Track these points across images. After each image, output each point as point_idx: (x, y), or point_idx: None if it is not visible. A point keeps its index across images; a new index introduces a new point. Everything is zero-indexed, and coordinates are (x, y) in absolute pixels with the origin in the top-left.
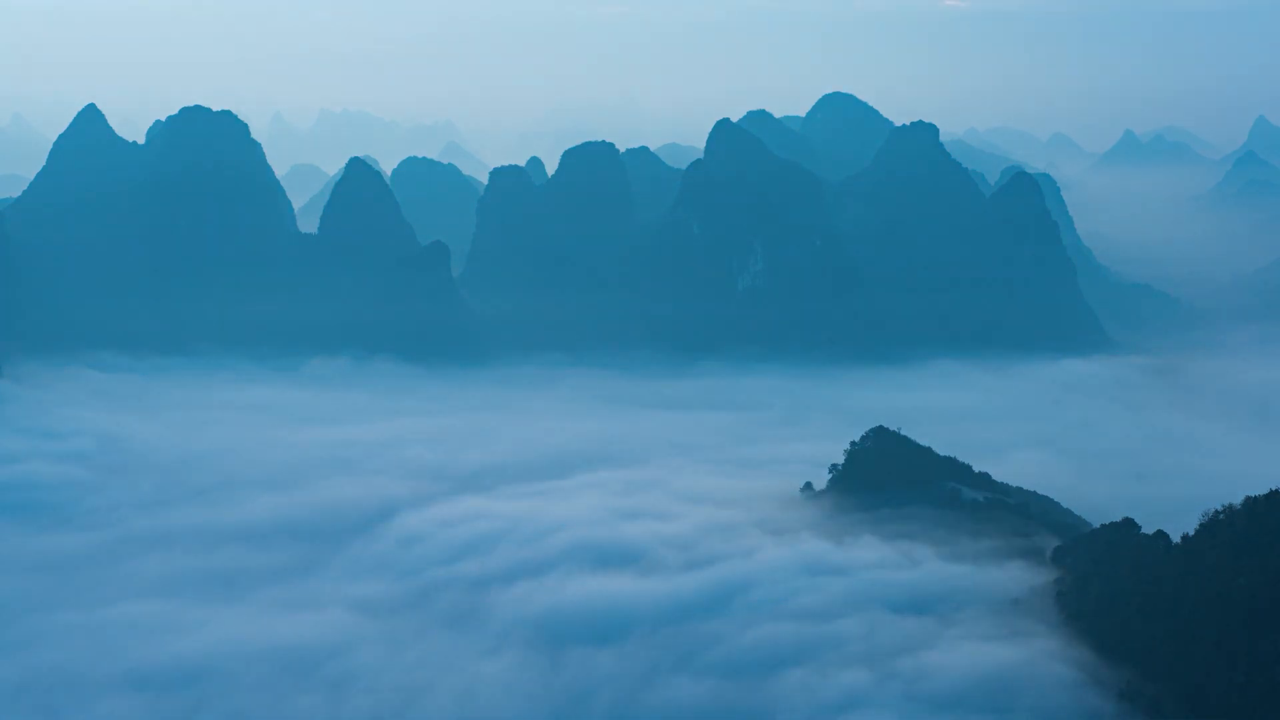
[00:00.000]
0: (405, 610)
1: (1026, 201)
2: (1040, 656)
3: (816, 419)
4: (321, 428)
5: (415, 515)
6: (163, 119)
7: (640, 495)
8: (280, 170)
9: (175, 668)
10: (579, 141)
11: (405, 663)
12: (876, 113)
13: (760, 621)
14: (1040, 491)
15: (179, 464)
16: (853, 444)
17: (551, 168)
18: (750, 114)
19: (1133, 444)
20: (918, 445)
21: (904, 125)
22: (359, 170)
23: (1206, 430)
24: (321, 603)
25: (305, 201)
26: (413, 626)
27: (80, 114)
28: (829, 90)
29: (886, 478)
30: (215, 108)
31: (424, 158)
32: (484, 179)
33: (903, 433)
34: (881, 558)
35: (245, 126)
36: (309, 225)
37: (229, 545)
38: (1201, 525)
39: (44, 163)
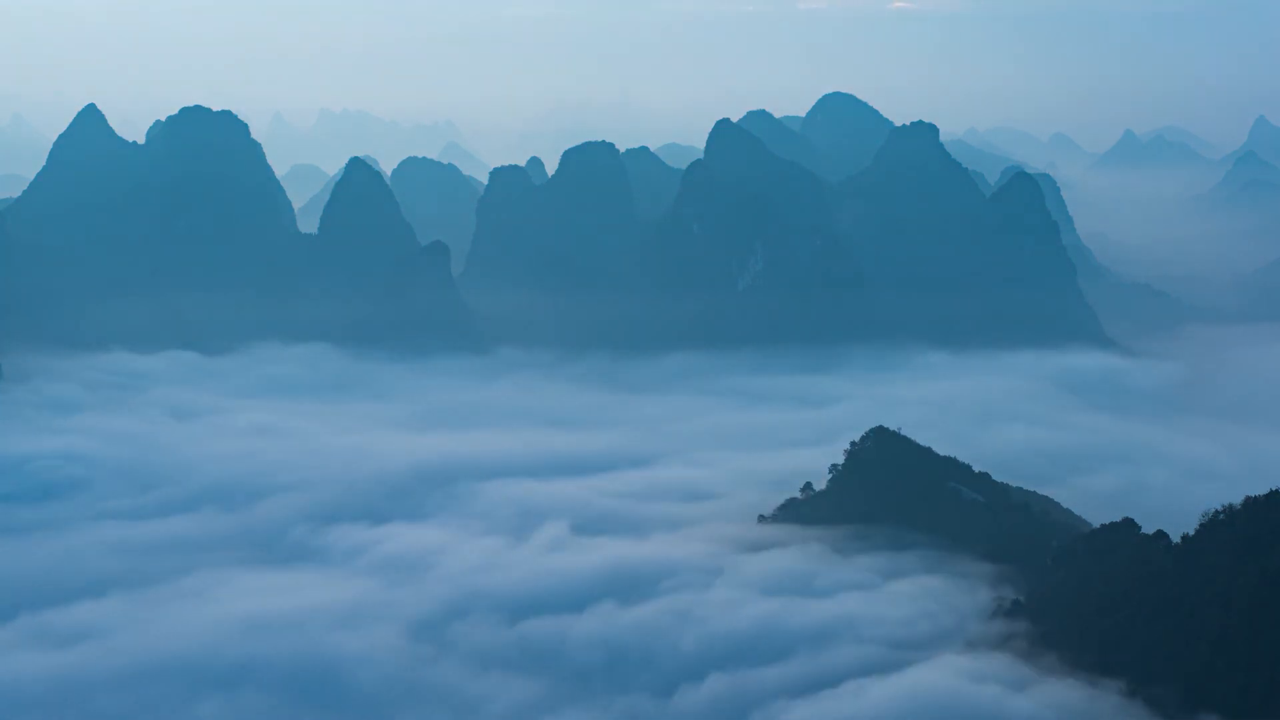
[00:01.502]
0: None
1: (1026, 201)
2: (1040, 657)
3: (816, 419)
4: (320, 428)
5: (414, 512)
6: (163, 119)
7: (636, 493)
8: (280, 170)
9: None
10: (579, 141)
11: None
12: (876, 113)
13: (764, 620)
14: (1040, 491)
15: (181, 464)
16: (852, 444)
17: (551, 168)
18: (750, 114)
19: (1132, 444)
20: (918, 445)
21: (904, 125)
22: (359, 170)
23: (1206, 430)
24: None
25: (305, 201)
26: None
27: (80, 114)
28: (829, 90)
29: (886, 478)
30: (215, 108)
31: (424, 158)
32: (484, 179)
33: (903, 433)
34: (881, 558)
35: (245, 126)
36: (309, 225)
37: (234, 543)
38: (1201, 525)
39: (44, 163)
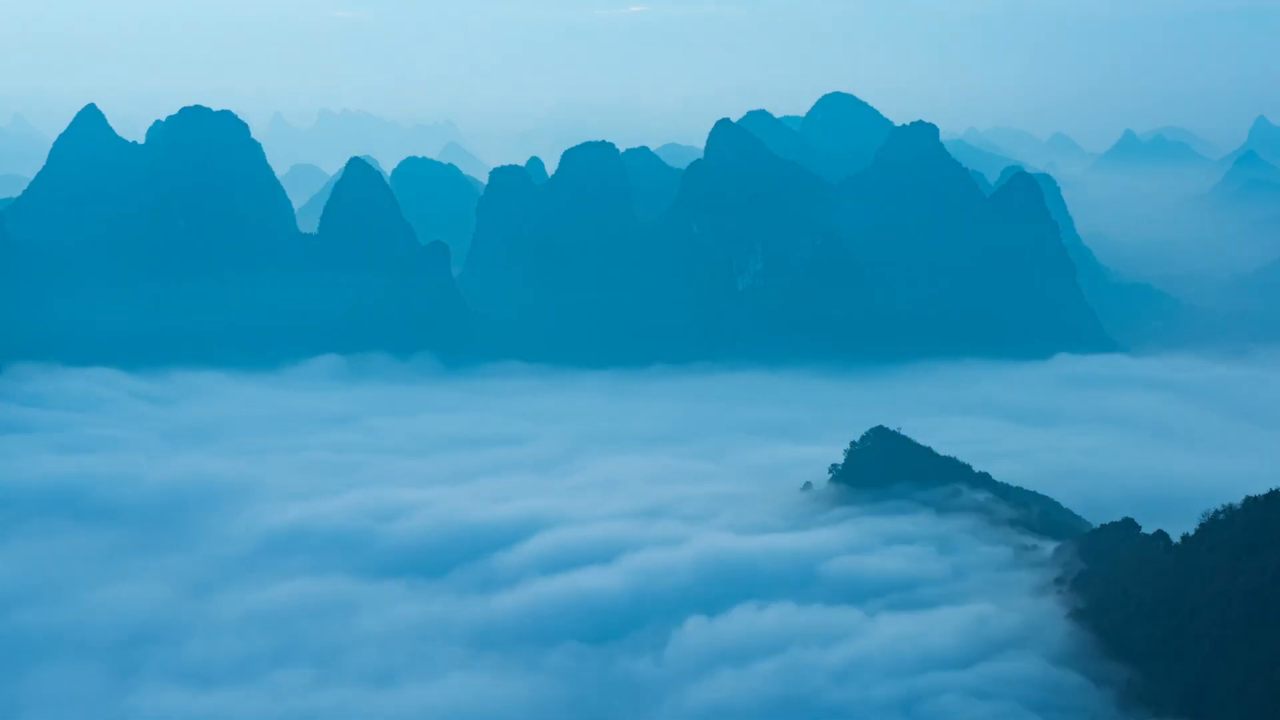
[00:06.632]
0: (433, 612)
1: (1026, 201)
2: (1041, 656)
3: (816, 418)
4: (321, 428)
5: (420, 517)
6: (163, 119)
7: (641, 494)
8: (280, 170)
9: (215, 668)
10: (579, 141)
11: (441, 664)
12: (876, 113)
13: (767, 621)
14: (1040, 491)
15: (179, 465)
16: (853, 444)
17: (551, 168)
18: (750, 114)
19: (1132, 443)
20: (918, 445)
21: (904, 125)
22: (359, 170)
23: (1206, 430)
24: (354, 604)
25: (305, 201)
26: (441, 627)
27: (80, 114)
28: (829, 90)
29: (886, 477)
30: (215, 108)
31: (424, 158)
32: (484, 179)
33: (903, 433)
34: (882, 558)
35: (245, 126)
36: (309, 225)
37: (239, 547)
38: (1201, 525)
39: (44, 163)
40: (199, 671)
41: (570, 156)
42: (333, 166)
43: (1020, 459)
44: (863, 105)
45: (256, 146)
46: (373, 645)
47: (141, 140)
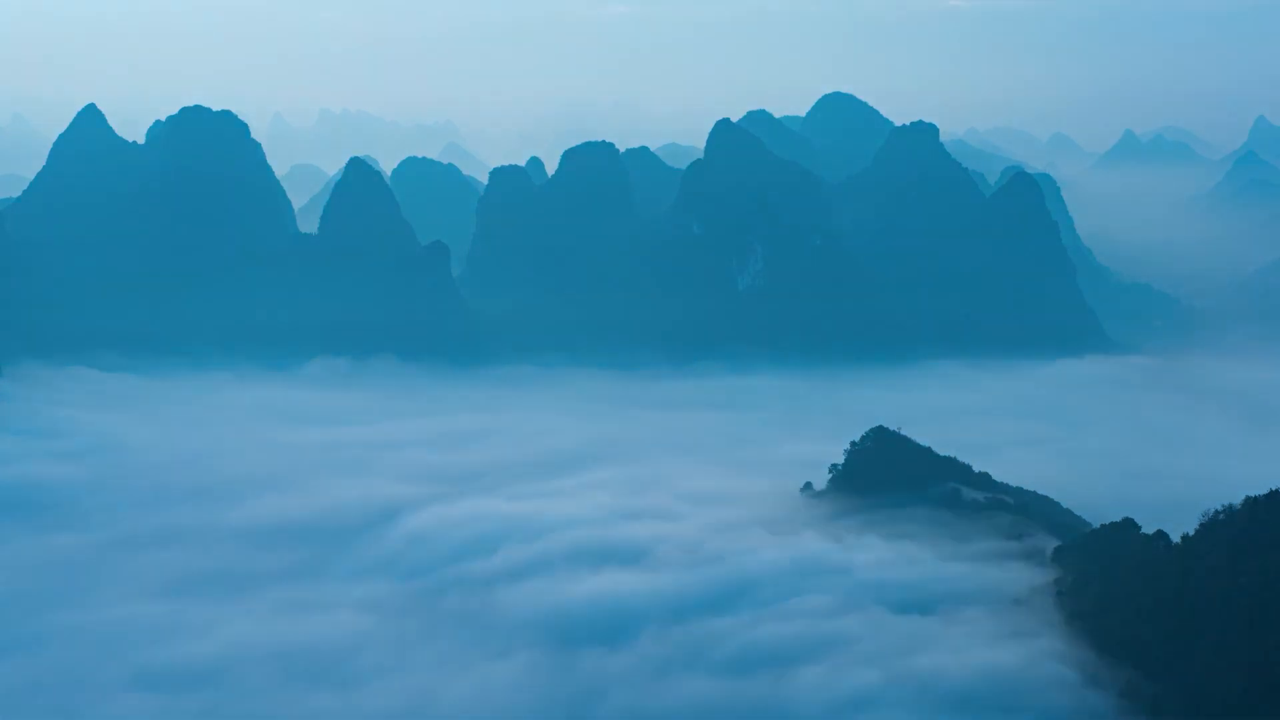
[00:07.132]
0: (413, 611)
1: (1026, 201)
2: (1041, 656)
3: (816, 419)
4: (321, 428)
5: (418, 516)
6: (163, 119)
7: (641, 495)
8: (280, 170)
9: (184, 669)
10: (579, 141)
11: (415, 663)
12: (876, 113)
13: (764, 621)
14: (1040, 491)
15: (179, 465)
16: (853, 444)
17: (551, 168)
18: (750, 114)
19: (1132, 444)
20: (918, 445)
21: (904, 125)
22: (359, 170)
23: (1206, 430)
24: (329, 604)
25: (305, 201)
26: (421, 627)
27: (80, 114)
28: (829, 90)
29: (886, 478)
30: (215, 108)
31: (424, 158)
32: (484, 179)
33: (903, 433)
34: (882, 557)
35: (245, 126)
36: (309, 225)
37: (231, 546)
38: (1201, 525)
39: (44, 163)
40: (186, 669)
41: (570, 156)
42: (333, 166)
43: (1020, 459)
44: (863, 105)
45: (256, 146)
46: (358, 643)
47: (141, 140)
